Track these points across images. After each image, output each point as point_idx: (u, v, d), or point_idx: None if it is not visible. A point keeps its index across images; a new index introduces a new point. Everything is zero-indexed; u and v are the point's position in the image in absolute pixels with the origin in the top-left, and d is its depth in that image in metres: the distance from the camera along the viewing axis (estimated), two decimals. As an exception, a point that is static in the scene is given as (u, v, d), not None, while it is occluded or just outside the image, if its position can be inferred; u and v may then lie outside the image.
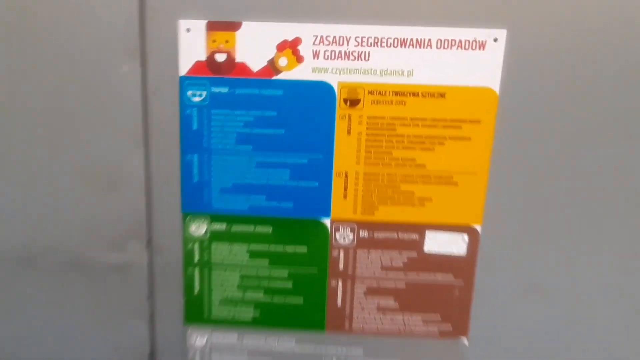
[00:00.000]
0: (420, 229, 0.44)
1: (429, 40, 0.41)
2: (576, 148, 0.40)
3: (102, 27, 0.41)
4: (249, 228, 0.43)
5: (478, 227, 0.44)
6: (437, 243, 0.44)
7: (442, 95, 0.42)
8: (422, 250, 0.43)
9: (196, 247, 0.45)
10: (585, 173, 0.41)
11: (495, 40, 0.41)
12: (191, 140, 0.42)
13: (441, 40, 0.41)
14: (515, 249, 0.43)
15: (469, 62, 0.40)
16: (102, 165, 0.44)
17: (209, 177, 0.45)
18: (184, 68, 0.42)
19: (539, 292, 0.43)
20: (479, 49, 0.41)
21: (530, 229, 0.42)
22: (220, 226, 0.43)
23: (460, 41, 0.41)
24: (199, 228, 0.43)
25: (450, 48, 0.41)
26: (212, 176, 0.43)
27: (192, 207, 0.43)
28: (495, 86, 0.41)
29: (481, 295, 0.43)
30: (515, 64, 0.40)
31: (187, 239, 0.45)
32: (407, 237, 0.45)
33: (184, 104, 0.43)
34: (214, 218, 0.43)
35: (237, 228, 0.43)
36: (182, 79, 0.43)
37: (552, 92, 0.40)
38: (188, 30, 0.43)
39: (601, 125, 0.40)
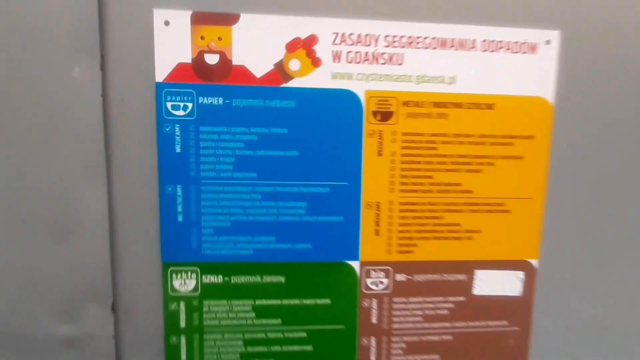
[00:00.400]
0: (469, 267, 0.36)
1: (474, 41, 0.31)
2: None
3: (47, 16, 0.29)
4: (255, 279, 0.33)
5: (534, 262, 0.35)
6: (488, 283, 0.37)
7: (491, 106, 0.35)
8: (471, 293, 0.35)
9: (182, 307, 0.34)
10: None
11: (548, 42, 0.32)
12: (173, 167, 0.31)
13: (487, 42, 0.32)
14: (578, 286, 0.35)
15: (519, 67, 0.32)
16: (49, 202, 0.30)
17: (199, 215, 0.34)
18: (161, 72, 0.30)
19: (607, 336, 0.36)
20: (530, 52, 0.34)
21: (595, 262, 0.35)
22: (215, 278, 0.33)
23: (509, 43, 0.32)
24: (185, 283, 0.33)
25: (498, 50, 0.33)
26: (203, 213, 0.32)
27: (175, 255, 0.32)
28: (549, 95, 0.33)
29: (539, 343, 0.35)
30: (570, 70, 0.32)
31: (169, 299, 0.32)
32: (453, 278, 0.37)
33: (163, 119, 0.32)
34: (207, 268, 0.33)
35: (239, 279, 0.33)
36: (160, 87, 0.31)
37: (614, 101, 0.33)
38: (167, 23, 0.33)
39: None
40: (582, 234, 0.36)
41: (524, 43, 0.32)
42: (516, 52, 0.32)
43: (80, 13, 0.30)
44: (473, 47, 0.32)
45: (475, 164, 0.33)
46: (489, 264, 0.34)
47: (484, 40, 0.32)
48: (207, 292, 0.33)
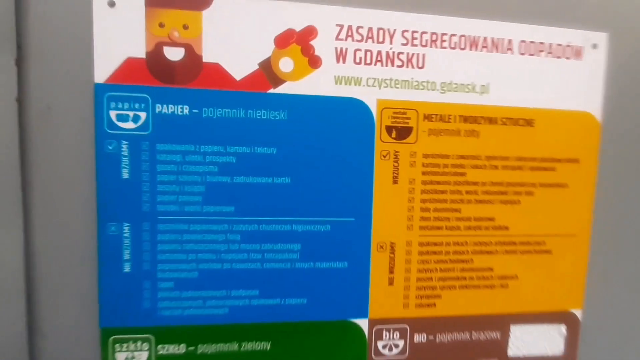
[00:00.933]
0: (503, 322, 0.29)
1: (510, 41, 0.26)
2: None
3: None
4: (231, 347, 0.25)
5: (578, 313, 0.31)
6: (526, 342, 0.30)
7: (530, 122, 0.28)
8: (506, 354, 0.28)
9: (129, 390, 0.25)
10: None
11: (595, 46, 0.27)
12: (118, 199, 0.23)
13: (526, 43, 0.26)
14: (630, 341, 0.29)
15: (562, 75, 0.26)
16: None
17: (154, 264, 0.25)
18: (103, 70, 0.22)
19: None
20: (574, 57, 0.29)
21: None
22: (175, 348, 0.25)
23: (550, 45, 0.26)
24: (133, 356, 0.24)
25: (538, 54, 0.27)
26: (160, 261, 0.24)
27: (119, 319, 0.24)
28: (596, 110, 0.27)
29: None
30: (620, 79, 0.27)
31: None
32: (484, 337, 0.29)
33: (104, 133, 0.23)
34: (164, 335, 0.24)
35: (209, 348, 0.25)
36: (100, 89, 0.22)
37: None
38: (111, 4, 0.24)
39: None
40: (634, 278, 0.30)
41: (567, 46, 0.27)
42: (559, 57, 0.27)
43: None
44: (509, 49, 0.26)
45: (512, 194, 0.27)
46: (526, 317, 0.28)
47: (522, 41, 0.26)
48: (165, 368, 0.24)
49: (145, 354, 0.24)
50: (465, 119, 0.26)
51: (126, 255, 0.24)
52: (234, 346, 0.25)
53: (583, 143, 0.28)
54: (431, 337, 0.27)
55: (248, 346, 0.25)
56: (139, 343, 0.24)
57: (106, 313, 0.24)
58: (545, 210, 0.27)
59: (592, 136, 0.28)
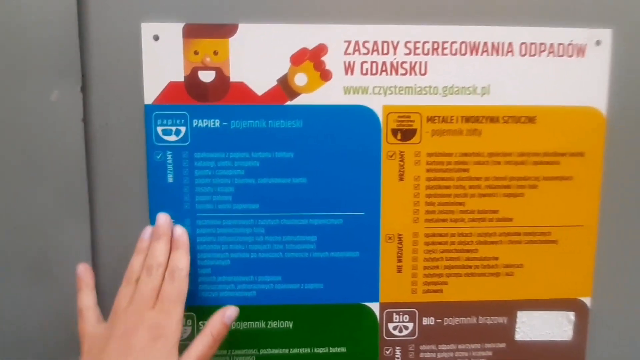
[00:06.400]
0: (509, 308, 0.29)
1: (510, 44, 0.27)
2: None
3: (21, 31, 0.26)
4: (259, 325, 0.29)
5: (587, 301, 0.30)
6: (533, 327, 0.31)
7: (532, 119, 0.29)
8: (513, 338, 0.30)
9: (177, 359, 0.30)
10: None
11: (598, 43, 0.27)
12: (165, 199, 0.28)
13: (526, 45, 0.27)
14: (638, 329, 0.30)
15: (565, 73, 0.27)
16: (27, 240, 0.27)
17: (194, 253, 0.28)
18: (151, 93, 0.27)
19: None
20: (577, 55, 0.29)
21: None
22: (213, 325, 0.29)
23: (552, 45, 0.27)
24: (180, 330, 0.29)
25: (539, 55, 0.27)
26: (199, 251, 0.28)
27: (168, 299, 0.28)
28: (602, 105, 0.28)
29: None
30: (625, 75, 0.28)
31: None
32: (491, 321, 0.31)
33: (153, 145, 0.28)
34: (203, 313, 0.29)
35: (240, 325, 0.29)
36: (149, 109, 0.27)
37: None
38: (156, 37, 0.29)
39: None
40: (644, 268, 0.30)
41: (570, 45, 0.28)
42: (561, 56, 0.28)
43: (59, 27, 0.26)
44: (510, 52, 0.28)
45: (515, 187, 0.29)
46: (534, 303, 0.29)
47: (523, 44, 0.28)
48: (205, 341, 0.29)
49: (189, 329, 0.29)
50: (467, 119, 0.28)
51: (172, 246, 0.28)
52: (262, 324, 0.29)
53: (588, 137, 0.29)
54: (439, 321, 0.29)
55: (273, 324, 0.29)
56: (183, 320, 0.29)
57: (157, 294, 0.29)
58: (550, 202, 0.29)
59: (597, 130, 0.29)
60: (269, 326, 0.29)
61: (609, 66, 0.28)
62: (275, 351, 0.29)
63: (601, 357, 0.30)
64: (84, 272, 0.26)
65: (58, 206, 0.28)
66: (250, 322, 0.29)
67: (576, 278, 0.29)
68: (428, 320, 0.29)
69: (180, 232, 0.26)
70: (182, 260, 0.25)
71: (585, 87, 0.28)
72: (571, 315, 0.30)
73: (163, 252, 0.25)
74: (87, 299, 0.26)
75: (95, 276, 0.27)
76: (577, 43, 0.28)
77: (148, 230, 0.27)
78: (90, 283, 0.26)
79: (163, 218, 0.27)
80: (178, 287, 0.24)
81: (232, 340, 0.29)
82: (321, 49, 0.27)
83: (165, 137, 0.27)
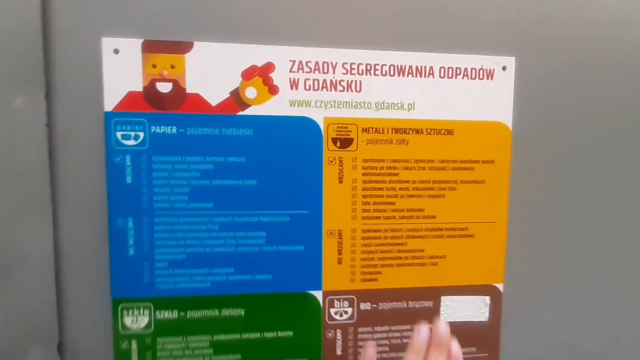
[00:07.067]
0: (434, 293, 0.34)
1: (431, 68, 0.32)
2: (606, 186, 0.34)
3: None
4: (213, 313, 0.32)
5: (500, 286, 0.35)
6: (455, 309, 0.36)
7: (450, 132, 0.34)
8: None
9: (134, 346, 0.32)
10: (616, 213, 0.35)
11: (504, 68, 0.32)
12: (123, 199, 0.30)
13: (444, 69, 0.32)
14: (546, 309, 0.35)
15: (477, 93, 0.32)
16: None
17: (151, 248, 0.32)
18: (110, 101, 0.29)
19: (575, 356, 0.35)
20: (487, 78, 0.34)
21: (561, 284, 0.35)
22: (169, 314, 0.31)
23: (465, 69, 0.32)
24: (137, 320, 0.31)
25: (455, 77, 0.32)
26: (156, 246, 0.31)
27: (126, 290, 0.31)
28: (508, 120, 0.33)
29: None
30: (527, 95, 0.33)
31: (119, 337, 0.30)
32: (419, 305, 0.36)
33: (112, 149, 0.29)
34: (160, 303, 0.31)
35: (195, 314, 0.32)
36: (109, 116, 0.29)
37: (570, 124, 0.34)
38: (116, 51, 0.31)
39: (631, 159, 0.34)
40: (546, 256, 0.36)
41: (480, 69, 0.33)
42: (473, 79, 0.33)
43: (23, 39, 0.28)
44: (431, 74, 0.32)
45: (438, 189, 0.33)
46: (455, 289, 0.34)
47: (442, 67, 0.32)
48: (161, 328, 0.31)
49: (146, 318, 0.31)
50: (396, 131, 0.33)
51: (130, 242, 0.30)
52: (215, 312, 0.32)
53: (497, 147, 0.34)
54: (374, 306, 0.33)
55: (226, 312, 0.32)
56: (141, 309, 0.31)
57: (116, 287, 0.30)
58: (467, 202, 0.34)
59: (504, 141, 0.34)
60: (222, 314, 0.32)
61: (513, 87, 0.33)
62: (228, 337, 0.32)
63: (513, 334, 0.35)
64: None
65: (21, 207, 0.29)
66: (205, 311, 0.32)
67: (490, 267, 0.34)
68: (365, 306, 0.33)
69: (457, 349, 0.26)
70: None
71: (494, 105, 0.33)
72: (487, 299, 0.35)
73: None
74: None
75: (57, 273, 0.29)
76: (486, 68, 0.33)
77: (424, 330, 0.26)
78: None
79: (444, 327, 0.26)
80: None
81: (187, 328, 0.31)
82: (269, 67, 0.31)
83: (125, 142, 0.30)
